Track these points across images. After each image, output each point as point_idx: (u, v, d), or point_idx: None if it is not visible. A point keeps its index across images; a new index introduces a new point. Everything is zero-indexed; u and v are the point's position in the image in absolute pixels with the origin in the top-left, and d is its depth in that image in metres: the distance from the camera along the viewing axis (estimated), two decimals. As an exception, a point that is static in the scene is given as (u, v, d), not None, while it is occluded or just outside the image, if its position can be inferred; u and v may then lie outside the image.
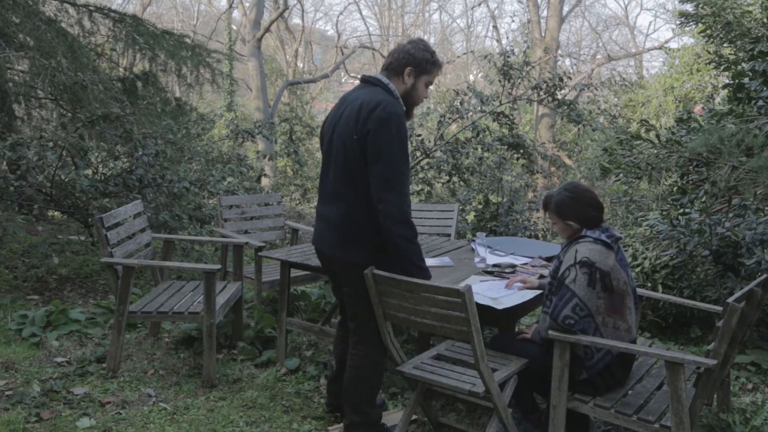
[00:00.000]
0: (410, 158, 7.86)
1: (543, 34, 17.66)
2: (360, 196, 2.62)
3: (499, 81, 7.70)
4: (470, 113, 7.66)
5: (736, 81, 4.54)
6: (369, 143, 2.54)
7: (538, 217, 8.06)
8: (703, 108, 6.24)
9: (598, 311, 2.62)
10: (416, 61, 2.69)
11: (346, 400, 2.85)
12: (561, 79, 7.26)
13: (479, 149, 7.35)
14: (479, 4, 23.32)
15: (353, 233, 2.67)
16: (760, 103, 4.29)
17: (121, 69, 8.18)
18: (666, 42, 20.91)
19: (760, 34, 4.44)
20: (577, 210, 2.72)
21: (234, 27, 20.61)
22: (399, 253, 2.62)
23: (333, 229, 2.71)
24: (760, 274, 3.63)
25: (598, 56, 24.81)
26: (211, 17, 24.71)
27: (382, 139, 2.52)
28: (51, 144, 5.26)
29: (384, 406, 3.22)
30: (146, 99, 7.93)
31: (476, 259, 3.73)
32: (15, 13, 6.45)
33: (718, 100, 10.72)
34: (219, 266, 3.80)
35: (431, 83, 2.80)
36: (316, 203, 2.88)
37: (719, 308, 2.96)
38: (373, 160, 2.54)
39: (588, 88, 8.01)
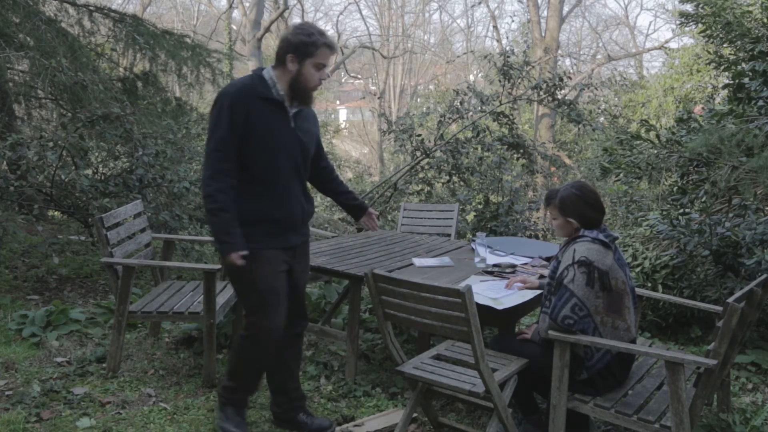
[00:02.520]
0: (410, 158, 7.87)
1: (543, 34, 17.66)
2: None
3: (499, 81, 7.71)
4: (470, 113, 7.67)
5: (736, 81, 4.54)
6: None
7: (538, 217, 8.06)
8: (703, 108, 6.24)
9: (597, 311, 2.62)
10: (294, 47, 2.63)
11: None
12: (561, 79, 7.27)
13: (479, 149, 7.35)
14: (479, 4, 23.32)
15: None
16: (760, 103, 4.29)
17: (121, 69, 8.18)
18: (666, 42, 20.96)
19: (760, 34, 4.45)
20: (580, 208, 2.72)
21: (234, 27, 20.64)
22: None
23: None
24: (760, 274, 3.63)
25: (598, 56, 24.86)
26: (211, 17, 24.73)
27: (209, 119, 2.65)
28: (51, 144, 5.26)
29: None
30: (146, 99, 7.93)
31: (476, 259, 3.74)
32: (15, 13, 6.45)
33: (718, 100, 10.72)
34: (219, 266, 3.78)
35: (324, 65, 2.68)
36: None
37: (719, 308, 2.96)
38: None
39: (588, 88, 8.02)
